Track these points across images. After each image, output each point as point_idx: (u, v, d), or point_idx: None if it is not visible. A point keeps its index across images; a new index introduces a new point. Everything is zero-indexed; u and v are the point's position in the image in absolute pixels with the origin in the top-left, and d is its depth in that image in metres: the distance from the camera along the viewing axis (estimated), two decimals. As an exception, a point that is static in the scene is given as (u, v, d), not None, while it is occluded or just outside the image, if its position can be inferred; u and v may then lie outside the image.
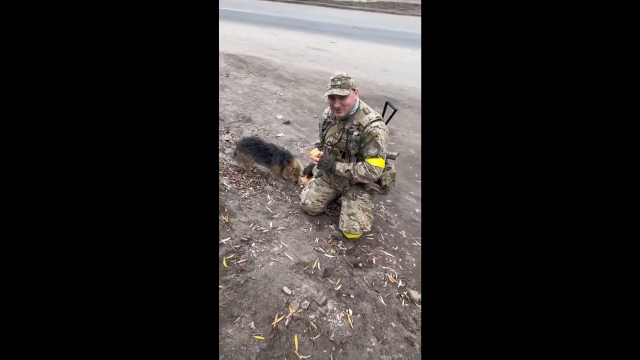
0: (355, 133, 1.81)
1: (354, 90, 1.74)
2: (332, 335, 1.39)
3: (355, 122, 1.81)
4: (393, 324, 1.51)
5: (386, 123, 1.89)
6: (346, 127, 1.85)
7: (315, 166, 1.97)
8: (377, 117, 1.81)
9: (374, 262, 1.87)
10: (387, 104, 1.98)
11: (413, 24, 11.03)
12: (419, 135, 3.66)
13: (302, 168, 2.31)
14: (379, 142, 1.76)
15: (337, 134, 1.90)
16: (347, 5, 14.61)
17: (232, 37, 7.27)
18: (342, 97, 1.73)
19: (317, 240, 1.94)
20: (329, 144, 1.95)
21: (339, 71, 1.77)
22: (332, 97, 1.76)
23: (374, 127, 1.76)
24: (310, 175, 2.25)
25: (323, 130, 2.00)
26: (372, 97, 4.50)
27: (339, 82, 1.71)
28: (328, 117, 1.99)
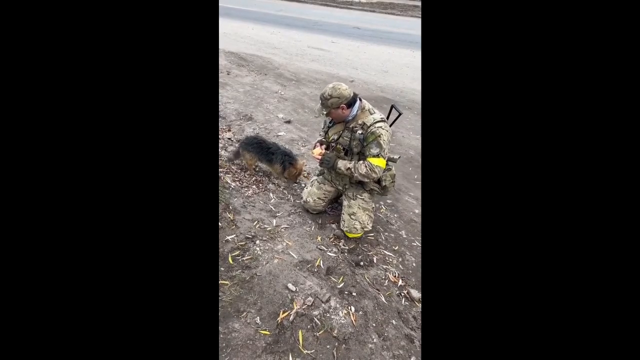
0: (359, 132, 1.85)
1: (337, 108, 1.82)
2: (335, 332, 1.43)
3: (359, 122, 1.86)
4: (394, 322, 1.55)
5: (390, 126, 1.93)
6: (350, 125, 1.89)
7: (318, 164, 2.01)
8: (382, 118, 1.85)
9: (374, 261, 1.91)
10: (392, 107, 2.02)
11: (413, 25, 11.08)
12: (419, 136, 3.71)
13: (305, 169, 2.32)
14: (381, 142, 1.80)
15: (340, 131, 1.95)
16: (347, 5, 14.61)
17: (232, 35, 7.26)
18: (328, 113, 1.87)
19: (319, 238, 1.98)
20: (332, 141, 1.99)
21: (332, 83, 1.84)
22: None
23: (378, 127, 1.80)
24: (327, 147, 2.10)
25: (328, 127, 2.04)
26: (371, 97, 4.54)
27: (321, 101, 1.85)
28: None
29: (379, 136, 1.80)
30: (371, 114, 1.87)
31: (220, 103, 3.77)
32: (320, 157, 1.97)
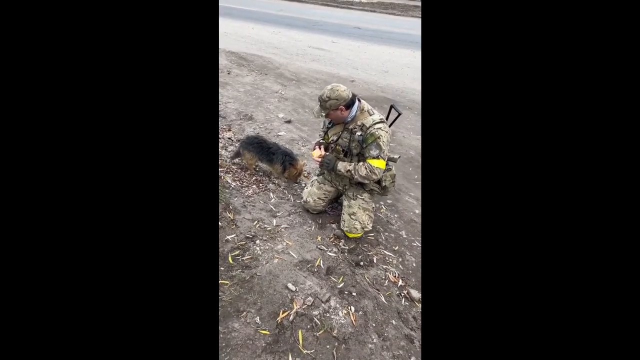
0: (359, 133, 1.85)
1: (335, 109, 1.81)
2: (335, 331, 1.43)
3: (359, 123, 1.85)
4: (393, 322, 1.55)
5: (390, 126, 1.93)
6: (349, 127, 1.89)
7: (318, 166, 2.01)
8: (381, 119, 1.85)
9: (374, 261, 1.91)
10: (392, 107, 2.01)
11: (413, 25, 11.08)
12: (419, 136, 3.70)
13: (306, 169, 2.32)
14: (380, 143, 1.80)
15: (339, 132, 1.95)
16: (348, 5, 14.61)
17: (233, 35, 7.26)
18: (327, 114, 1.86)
19: (319, 238, 1.98)
20: (331, 142, 1.99)
21: (330, 84, 1.83)
22: None
23: (377, 128, 1.80)
24: (327, 149, 2.13)
25: (328, 128, 2.04)
26: (372, 97, 4.54)
27: (320, 103, 1.84)
28: None
29: (379, 137, 1.79)
30: (370, 114, 1.86)
31: (220, 102, 3.77)
32: (320, 159, 1.97)
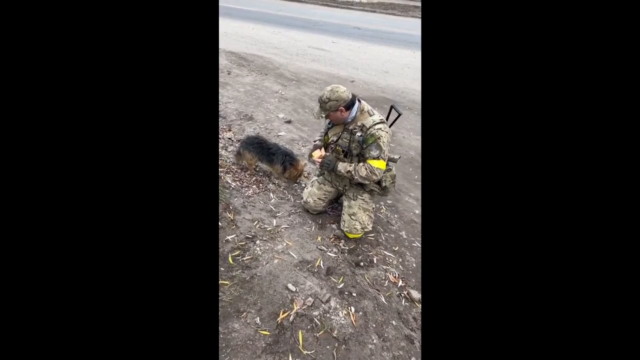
0: (359, 134, 1.85)
1: (335, 110, 1.81)
2: (335, 332, 1.43)
3: (359, 123, 1.85)
4: (394, 322, 1.55)
5: (390, 126, 1.93)
6: (350, 127, 1.89)
7: (318, 166, 2.01)
8: (381, 119, 1.85)
9: (375, 261, 1.91)
10: (392, 107, 2.01)
11: (413, 26, 11.08)
12: (419, 137, 3.70)
13: (306, 170, 2.31)
14: (381, 144, 1.80)
15: (339, 133, 1.94)
16: (348, 5, 14.63)
17: (233, 35, 7.27)
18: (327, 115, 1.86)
19: (319, 238, 1.98)
20: (331, 142, 1.99)
21: (330, 85, 1.83)
22: None
23: (377, 129, 1.80)
24: (326, 149, 2.12)
25: (328, 128, 2.04)
26: (372, 98, 4.54)
27: (320, 104, 1.84)
28: None
29: (379, 138, 1.79)
30: (370, 115, 1.86)
31: (220, 103, 3.77)
32: (320, 160, 1.97)
